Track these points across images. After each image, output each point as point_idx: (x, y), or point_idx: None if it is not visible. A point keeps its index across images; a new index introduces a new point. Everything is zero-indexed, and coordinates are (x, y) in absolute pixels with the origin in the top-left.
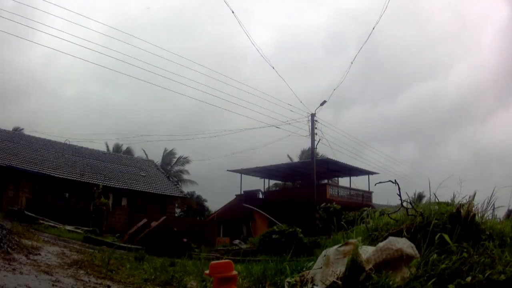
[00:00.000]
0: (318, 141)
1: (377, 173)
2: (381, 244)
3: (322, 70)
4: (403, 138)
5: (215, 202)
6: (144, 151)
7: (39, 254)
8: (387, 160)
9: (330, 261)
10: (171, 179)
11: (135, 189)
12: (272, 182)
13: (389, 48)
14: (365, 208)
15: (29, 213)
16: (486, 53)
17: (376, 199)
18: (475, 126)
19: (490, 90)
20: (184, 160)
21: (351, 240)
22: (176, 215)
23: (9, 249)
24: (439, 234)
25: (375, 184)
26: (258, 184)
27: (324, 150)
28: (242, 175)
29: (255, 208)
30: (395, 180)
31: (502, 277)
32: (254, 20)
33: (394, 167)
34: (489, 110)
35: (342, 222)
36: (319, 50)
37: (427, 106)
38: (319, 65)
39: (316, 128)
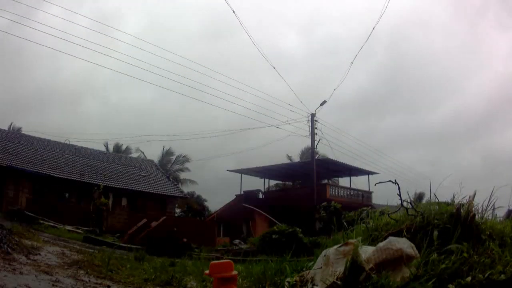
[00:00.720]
0: (318, 141)
1: (377, 173)
2: (381, 244)
3: (350, 74)
4: (422, 144)
5: (215, 202)
6: (140, 149)
7: (39, 254)
8: (402, 164)
9: (330, 261)
10: (170, 179)
11: (135, 189)
12: (272, 182)
13: (415, 56)
14: (364, 208)
15: (29, 213)
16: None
17: (376, 199)
18: (493, 135)
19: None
20: (184, 159)
21: (351, 240)
22: (176, 215)
23: (9, 249)
24: (437, 233)
25: (375, 184)
26: (258, 184)
27: (324, 150)
28: (242, 175)
29: (255, 208)
30: (395, 180)
31: (502, 277)
32: (282, 22)
33: (407, 173)
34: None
35: (343, 221)
36: (348, 55)
37: (448, 115)
38: (346, 69)
39: (316, 128)
